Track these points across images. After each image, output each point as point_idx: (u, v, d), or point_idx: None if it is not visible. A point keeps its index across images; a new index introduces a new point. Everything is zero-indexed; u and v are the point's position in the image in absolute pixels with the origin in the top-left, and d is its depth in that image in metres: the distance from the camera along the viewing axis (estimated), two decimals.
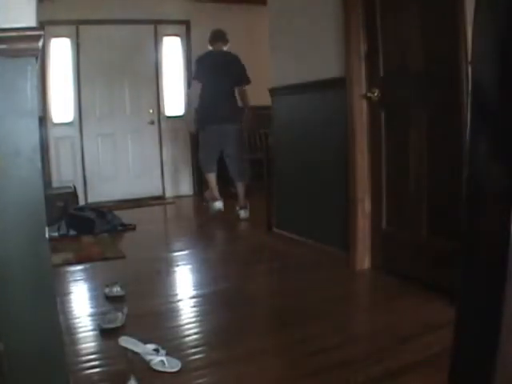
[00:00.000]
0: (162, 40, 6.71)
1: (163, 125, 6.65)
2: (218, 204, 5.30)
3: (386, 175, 3.07)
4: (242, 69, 5.10)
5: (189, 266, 3.70)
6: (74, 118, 6.32)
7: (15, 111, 1.41)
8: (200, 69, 5.03)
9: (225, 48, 5.15)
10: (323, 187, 3.67)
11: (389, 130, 3.03)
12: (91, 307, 2.82)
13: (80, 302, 2.95)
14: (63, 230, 4.52)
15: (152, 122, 6.54)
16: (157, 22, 6.63)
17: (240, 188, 5.17)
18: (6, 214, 1.42)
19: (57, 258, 3.56)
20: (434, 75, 2.71)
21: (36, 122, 1.45)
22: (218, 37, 5.10)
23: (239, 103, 5.27)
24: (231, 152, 5.17)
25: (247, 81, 5.14)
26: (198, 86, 5.02)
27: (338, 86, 3.31)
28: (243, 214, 5.11)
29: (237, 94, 5.20)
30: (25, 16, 1.43)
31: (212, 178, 5.30)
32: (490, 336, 1.00)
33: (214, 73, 4.95)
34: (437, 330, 2.19)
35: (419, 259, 2.84)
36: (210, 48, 5.15)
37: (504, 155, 0.97)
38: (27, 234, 1.45)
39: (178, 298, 2.96)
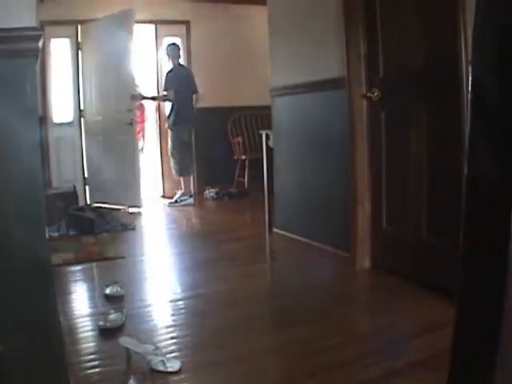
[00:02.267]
0: (162, 40, 6.70)
1: (164, 124, 6.64)
2: (192, 199, 6.14)
3: (385, 175, 3.07)
4: (194, 80, 6.22)
5: (189, 266, 3.70)
6: (74, 117, 6.32)
7: (15, 111, 1.41)
8: (170, 80, 6.01)
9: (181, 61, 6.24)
10: (323, 187, 3.67)
11: (389, 130, 3.03)
12: (91, 307, 2.82)
13: (80, 302, 2.95)
14: (63, 230, 4.51)
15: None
16: (157, 22, 6.63)
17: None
18: (6, 213, 1.42)
19: (57, 258, 3.56)
20: (434, 75, 2.71)
21: (36, 122, 1.45)
22: (179, 53, 6.11)
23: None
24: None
25: (197, 90, 6.26)
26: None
27: (338, 86, 3.30)
28: (193, 200, 6.13)
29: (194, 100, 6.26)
30: (25, 16, 1.43)
31: (191, 178, 6.30)
32: (490, 336, 1.00)
33: (182, 83, 6.00)
34: (437, 330, 2.19)
35: (419, 259, 2.84)
36: (172, 62, 6.05)
37: (504, 155, 0.97)
38: (27, 233, 1.45)
39: (178, 297, 2.96)
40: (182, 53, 6.81)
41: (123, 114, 5.61)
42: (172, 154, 6.15)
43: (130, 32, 5.56)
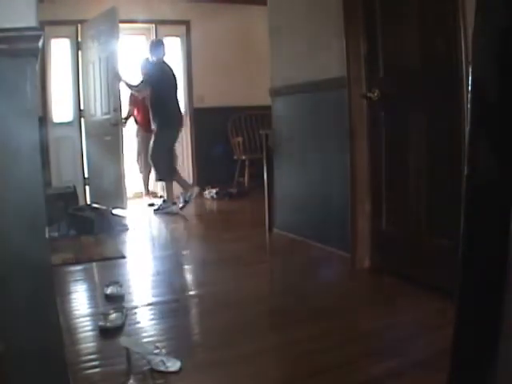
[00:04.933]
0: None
1: None
2: (176, 207, 5.52)
3: (385, 175, 3.07)
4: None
5: (189, 266, 3.70)
6: (74, 117, 6.32)
7: (15, 111, 1.41)
8: (155, 75, 5.37)
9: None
10: (323, 187, 3.67)
11: (389, 130, 3.03)
12: (91, 307, 2.82)
13: (80, 302, 2.95)
14: (63, 230, 4.51)
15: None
16: (157, 22, 6.63)
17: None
18: (6, 213, 1.42)
19: (57, 258, 3.56)
20: (434, 75, 2.71)
21: (36, 122, 1.45)
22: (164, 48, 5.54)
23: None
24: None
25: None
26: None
27: (338, 85, 3.31)
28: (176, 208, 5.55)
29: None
30: (25, 16, 1.43)
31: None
32: (490, 336, 1.00)
33: (168, 82, 5.44)
34: (437, 330, 2.19)
35: (419, 259, 2.83)
36: (157, 58, 5.44)
37: (504, 155, 0.97)
38: (27, 234, 1.45)
39: (178, 297, 2.96)
40: (181, 53, 6.83)
41: (110, 114, 5.51)
42: (153, 159, 5.51)
43: (115, 30, 5.35)
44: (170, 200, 5.55)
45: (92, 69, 5.86)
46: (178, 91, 5.63)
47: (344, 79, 3.20)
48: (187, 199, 5.58)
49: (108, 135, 5.57)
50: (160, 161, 5.46)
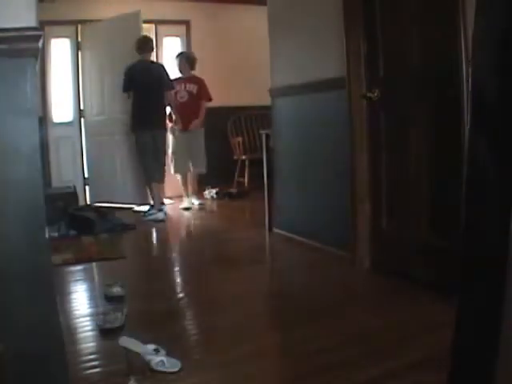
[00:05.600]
0: (162, 40, 6.70)
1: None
2: (162, 214, 5.27)
3: (385, 175, 3.07)
4: (166, 76, 5.40)
5: (189, 266, 3.70)
6: (74, 117, 6.32)
7: (15, 111, 1.41)
8: (126, 78, 5.22)
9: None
10: (323, 187, 3.66)
11: (389, 129, 3.03)
12: (91, 307, 2.82)
13: (80, 302, 2.95)
14: (63, 230, 4.51)
15: None
16: (157, 22, 6.63)
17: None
18: (5, 213, 1.42)
19: (57, 258, 3.55)
20: (434, 75, 2.71)
21: (36, 122, 1.45)
22: (146, 46, 5.35)
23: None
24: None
25: (170, 86, 5.48)
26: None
27: (338, 86, 3.30)
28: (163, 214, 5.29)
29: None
30: (25, 16, 1.43)
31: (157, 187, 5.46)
32: (490, 336, 1.00)
33: (145, 81, 5.17)
34: (437, 329, 2.19)
35: (419, 259, 2.84)
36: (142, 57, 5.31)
37: (503, 155, 0.97)
38: (27, 234, 1.45)
39: (178, 297, 2.96)
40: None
41: (125, 114, 5.53)
42: (139, 161, 5.44)
43: (137, 33, 5.40)
44: (156, 206, 5.29)
45: (100, 69, 5.90)
46: (158, 91, 5.27)
47: (344, 79, 3.20)
48: (146, 214, 5.27)
49: (117, 134, 5.67)
50: (139, 164, 5.42)
